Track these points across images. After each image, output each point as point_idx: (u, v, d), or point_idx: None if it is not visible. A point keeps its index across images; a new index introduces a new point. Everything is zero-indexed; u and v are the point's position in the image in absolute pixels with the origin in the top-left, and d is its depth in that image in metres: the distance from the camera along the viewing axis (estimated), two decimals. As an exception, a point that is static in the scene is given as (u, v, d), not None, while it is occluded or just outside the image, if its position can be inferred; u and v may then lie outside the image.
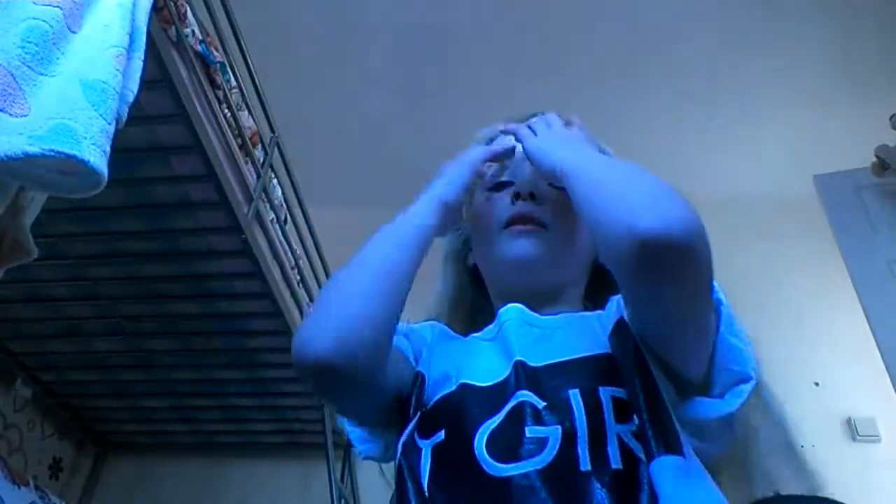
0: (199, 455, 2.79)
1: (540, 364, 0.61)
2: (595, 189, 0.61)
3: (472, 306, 0.82)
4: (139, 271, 1.92)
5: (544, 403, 0.56)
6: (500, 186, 0.78)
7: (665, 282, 0.54)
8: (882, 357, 1.94)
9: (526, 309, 0.69)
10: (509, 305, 0.69)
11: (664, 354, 0.59)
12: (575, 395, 0.56)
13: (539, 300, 0.71)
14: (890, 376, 1.90)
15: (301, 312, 2.08)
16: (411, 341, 0.72)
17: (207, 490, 2.70)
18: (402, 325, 0.71)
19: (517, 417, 0.56)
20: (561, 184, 0.68)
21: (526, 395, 0.58)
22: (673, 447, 0.53)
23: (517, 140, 0.78)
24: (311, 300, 2.21)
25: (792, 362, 2.55)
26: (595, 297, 0.76)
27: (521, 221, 0.73)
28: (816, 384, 2.56)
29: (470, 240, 0.82)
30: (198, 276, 1.92)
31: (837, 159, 2.29)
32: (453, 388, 0.62)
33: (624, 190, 0.58)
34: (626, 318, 0.62)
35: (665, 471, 0.51)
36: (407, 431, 0.62)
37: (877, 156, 2.11)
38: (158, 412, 2.61)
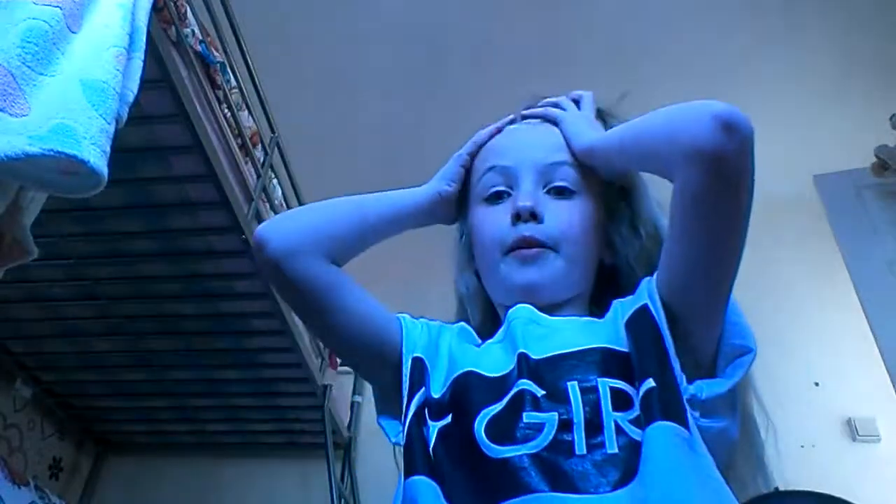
0: (199, 455, 2.79)
1: (541, 356, 0.63)
2: (642, 128, 0.66)
3: (484, 312, 0.81)
4: (139, 271, 1.92)
5: (543, 392, 0.59)
6: (496, 197, 0.76)
7: (734, 167, 0.57)
8: (882, 357, 1.94)
9: (534, 309, 0.70)
10: (518, 306, 0.70)
11: (692, 317, 0.61)
12: (573, 387, 0.58)
13: (545, 311, 0.71)
14: (890, 376, 1.90)
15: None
16: (428, 332, 0.74)
17: (207, 490, 2.70)
18: (430, 320, 0.77)
19: (517, 404, 0.59)
20: (592, 162, 0.73)
21: (526, 384, 0.60)
22: (678, 418, 0.54)
23: (553, 121, 0.78)
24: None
25: (792, 362, 2.55)
26: (600, 301, 0.76)
27: (525, 245, 0.71)
28: (816, 384, 2.56)
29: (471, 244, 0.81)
30: (198, 276, 1.91)
31: (837, 159, 2.29)
32: (461, 371, 0.66)
33: (677, 108, 0.61)
34: (660, 283, 0.63)
35: (665, 434, 0.53)
36: (416, 404, 0.65)
37: (877, 156, 2.11)
38: (158, 412, 2.60)
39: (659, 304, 0.62)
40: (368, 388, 2.82)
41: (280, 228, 0.73)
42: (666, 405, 0.55)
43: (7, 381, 2.32)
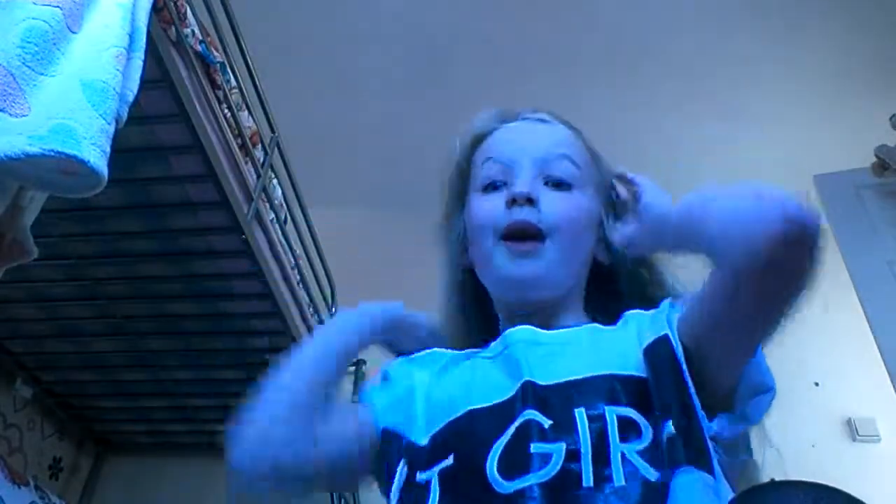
0: (199, 455, 2.78)
1: (548, 383, 0.61)
2: (705, 206, 0.61)
3: (473, 312, 0.79)
4: (139, 271, 1.91)
5: (550, 422, 0.57)
6: (493, 187, 0.75)
7: (797, 267, 0.55)
8: (882, 357, 1.94)
9: (534, 329, 0.68)
10: (518, 327, 0.68)
11: (712, 364, 0.59)
12: (580, 415, 0.57)
13: (541, 313, 0.70)
14: (890, 376, 1.90)
15: (301, 312, 2.08)
16: (393, 387, 0.71)
17: (207, 490, 2.69)
18: (388, 366, 0.73)
19: (523, 435, 0.57)
20: (664, 241, 0.68)
21: (532, 414, 0.58)
22: (703, 464, 0.53)
23: (635, 190, 0.71)
24: (311, 300, 2.21)
25: (792, 362, 2.54)
26: (596, 303, 0.75)
27: (520, 236, 0.70)
28: (816, 384, 2.56)
29: (466, 238, 0.79)
30: (198, 276, 1.91)
31: (837, 159, 2.29)
32: (460, 414, 0.63)
33: (745, 195, 0.58)
34: (682, 322, 0.60)
35: (693, 484, 0.51)
36: (400, 475, 0.62)
37: (877, 156, 2.12)
38: (158, 412, 2.60)
39: (678, 341, 0.59)
40: (368, 388, 2.84)
41: (250, 453, 0.67)
42: (691, 451, 0.53)
43: (7, 381, 2.32)
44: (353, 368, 2.84)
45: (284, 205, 1.99)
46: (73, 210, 1.65)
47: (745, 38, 2.53)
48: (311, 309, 2.20)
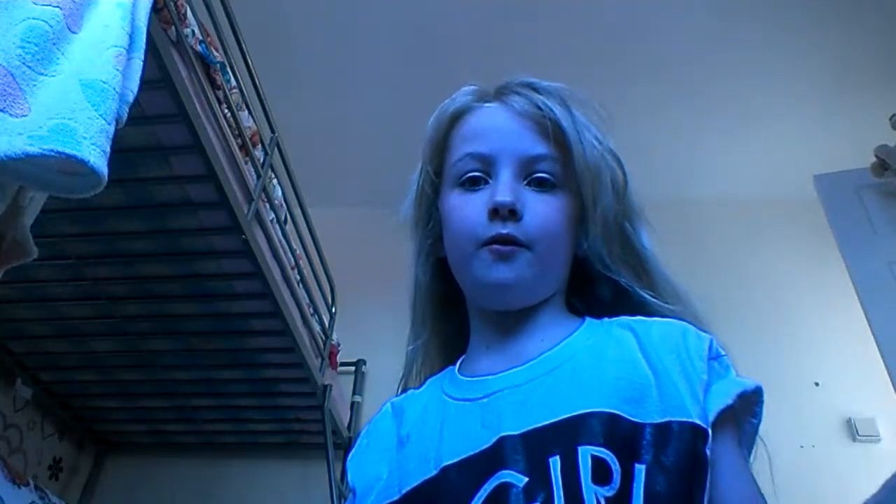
0: (199, 455, 2.79)
1: (526, 429, 0.58)
2: None
3: (447, 310, 0.77)
4: (139, 271, 1.92)
5: (525, 480, 0.55)
6: (472, 182, 0.71)
7: None
8: (882, 357, 1.94)
9: (515, 371, 0.65)
10: (499, 375, 0.65)
11: None
12: (555, 463, 0.54)
13: (518, 315, 0.69)
14: (890, 376, 1.90)
15: (301, 312, 2.08)
16: (359, 461, 0.70)
17: (207, 490, 2.70)
18: (350, 470, 0.70)
19: (498, 500, 0.55)
20: None
21: (507, 475, 0.56)
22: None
23: None
24: (311, 300, 2.21)
25: (792, 362, 2.55)
26: (580, 289, 0.74)
27: (501, 241, 0.66)
28: (816, 384, 2.56)
29: (440, 227, 0.75)
30: (198, 276, 1.91)
31: (837, 159, 2.29)
32: (434, 473, 0.60)
33: None
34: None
35: None
36: None
37: (877, 156, 2.12)
38: (158, 412, 2.60)
39: (709, 454, 0.55)
40: (368, 388, 2.84)
41: None
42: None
43: (7, 381, 2.32)
44: (352, 368, 2.85)
45: (284, 205, 1.99)
46: (73, 210, 1.65)
47: (745, 38, 2.53)
48: (310, 309, 2.20)
